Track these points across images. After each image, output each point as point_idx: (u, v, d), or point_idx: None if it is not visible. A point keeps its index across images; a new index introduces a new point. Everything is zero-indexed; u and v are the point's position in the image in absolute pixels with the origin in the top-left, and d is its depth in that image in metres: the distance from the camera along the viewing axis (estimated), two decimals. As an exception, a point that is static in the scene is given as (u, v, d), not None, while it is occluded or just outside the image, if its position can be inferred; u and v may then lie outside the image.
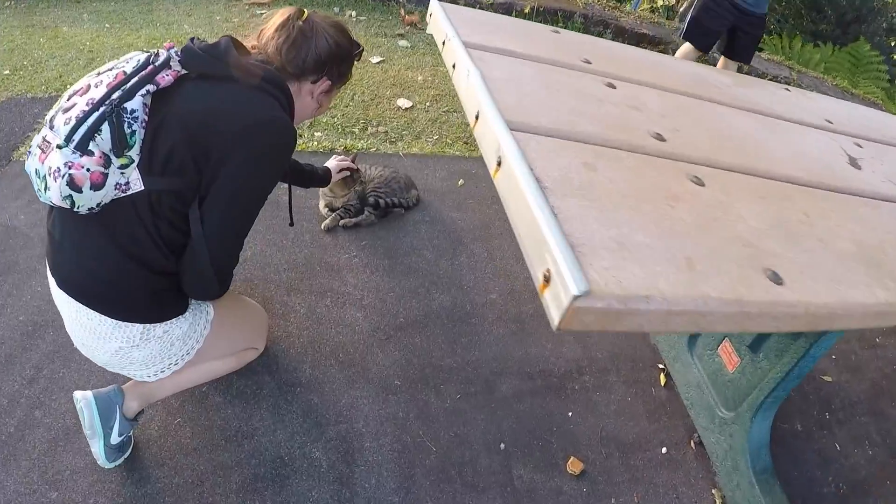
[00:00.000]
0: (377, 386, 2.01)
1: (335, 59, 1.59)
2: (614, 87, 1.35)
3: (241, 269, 2.34)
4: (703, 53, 4.14)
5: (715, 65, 4.34)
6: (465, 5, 5.43)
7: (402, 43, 4.76)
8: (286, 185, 1.94)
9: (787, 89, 2.31)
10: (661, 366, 2.33)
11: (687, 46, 4.12)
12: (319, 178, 2.38)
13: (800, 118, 1.81)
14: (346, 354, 2.09)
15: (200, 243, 1.38)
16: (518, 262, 2.69)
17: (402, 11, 5.27)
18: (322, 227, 2.61)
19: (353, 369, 2.05)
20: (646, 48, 5.49)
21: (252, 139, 1.35)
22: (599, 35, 5.47)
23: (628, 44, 5.48)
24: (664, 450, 2.03)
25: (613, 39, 5.48)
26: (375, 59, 4.37)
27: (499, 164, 0.85)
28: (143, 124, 1.30)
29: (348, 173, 2.54)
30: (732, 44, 4.05)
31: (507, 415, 2.02)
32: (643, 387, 2.25)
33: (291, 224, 2.03)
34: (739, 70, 4.29)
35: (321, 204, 2.71)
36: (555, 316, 0.64)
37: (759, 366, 1.84)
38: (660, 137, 1.15)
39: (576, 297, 0.60)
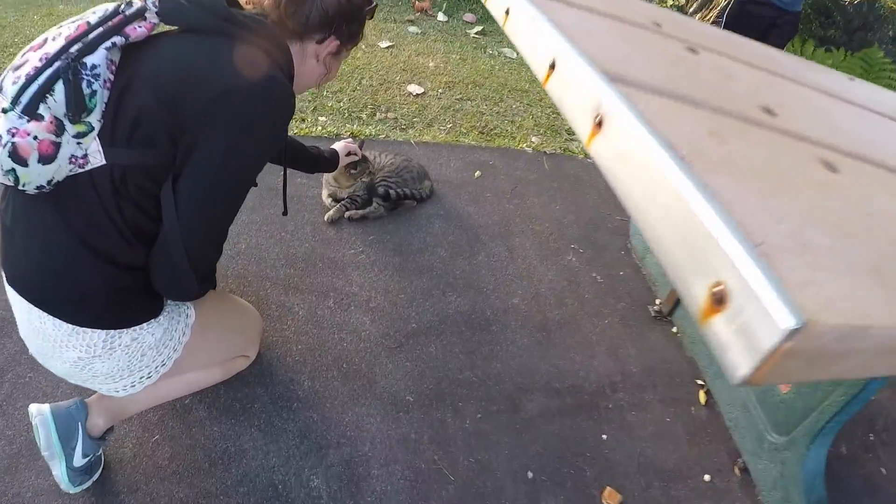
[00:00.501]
0: (386, 402, 1.75)
1: (344, 16, 1.33)
2: (696, 53, 1.10)
3: (234, 264, 2.08)
4: None
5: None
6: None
7: (413, 29, 4.50)
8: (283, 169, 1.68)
9: (851, 79, 2.06)
10: (699, 382, 2.09)
11: None
12: (325, 161, 2.11)
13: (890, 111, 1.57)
14: (351, 364, 1.83)
15: (174, 231, 1.12)
16: (542, 262, 2.43)
17: (413, -3, 5.01)
18: (325, 218, 2.35)
19: (358, 382, 1.79)
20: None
21: (238, 102, 1.10)
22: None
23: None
24: (707, 477, 1.79)
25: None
26: (384, 44, 4.10)
27: (599, 124, 0.60)
28: (107, 84, 1.07)
29: (356, 157, 2.28)
30: (767, 41, 3.83)
31: (534, 438, 1.76)
32: (682, 406, 2.00)
33: (285, 213, 1.79)
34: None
35: (324, 193, 2.45)
36: (743, 363, 0.38)
37: (819, 386, 1.61)
38: (769, 112, 0.89)
39: (790, 334, 0.35)
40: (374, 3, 1.45)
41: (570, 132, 3.58)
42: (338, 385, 1.77)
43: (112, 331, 1.19)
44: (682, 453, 1.85)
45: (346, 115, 3.15)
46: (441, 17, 4.89)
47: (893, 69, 8.67)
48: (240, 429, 1.61)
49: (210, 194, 1.15)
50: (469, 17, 4.98)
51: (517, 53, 4.49)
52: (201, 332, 1.39)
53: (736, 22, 3.73)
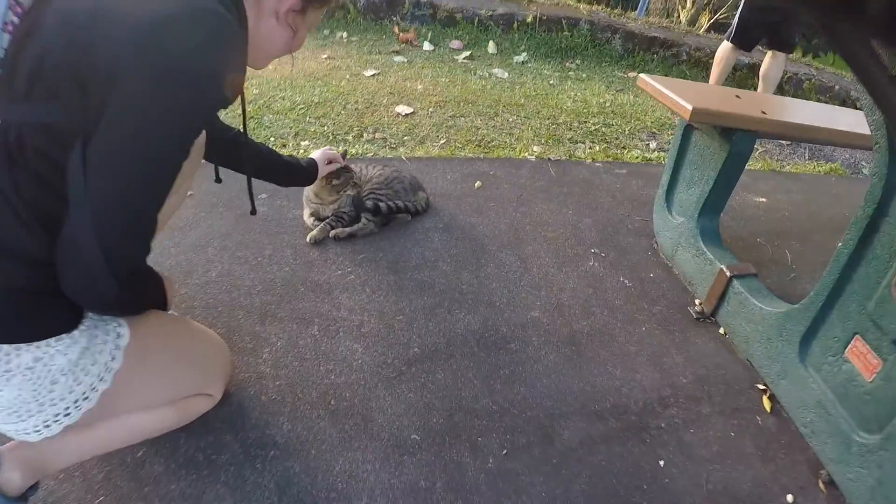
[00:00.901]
0: (386, 443, 1.40)
1: None
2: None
3: (202, 294, 1.76)
4: (747, 52, 3.93)
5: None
6: (463, 18, 5.06)
7: (398, 58, 4.30)
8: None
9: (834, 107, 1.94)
10: (760, 386, 1.76)
11: (727, 47, 3.85)
12: (302, 172, 1.83)
13: None
14: (341, 400, 1.49)
15: (82, 211, 0.84)
16: (560, 269, 2.11)
17: (397, 29, 4.83)
18: (307, 239, 2.04)
19: (350, 421, 1.44)
20: (658, 52, 5.09)
21: (164, 37, 0.84)
22: (608, 41, 5.04)
23: (639, 47, 5.04)
24: (790, 498, 1.46)
25: (623, 44, 5.06)
26: (369, 72, 3.88)
27: None
28: (9, 28, 0.87)
29: (338, 166, 1.99)
30: (779, 36, 3.78)
31: (576, 473, 1.40)
32: (746, 416, 1.66)
33: (253, 212, 1.51)
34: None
35: (306, 213, 2.15)
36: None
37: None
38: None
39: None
40: None
41: (574, 140, 3.30)
42: (325, 426, 1.42)
43: (5, 346, 0.87)
44: (756, 472, 1.50)
45: (331, 138, 2.89)
46: (427, 46, 4.70)
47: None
48: (203, 485, 1.26)
49: (128, 160, 0.87)
50: (456, 44, 4.78)
51: (508, 74, 4.27)
52: (140, 359, 1.08)
53: (759, 12, 3.61)
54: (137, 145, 0.86)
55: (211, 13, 0.88)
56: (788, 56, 3.95)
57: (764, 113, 1.82)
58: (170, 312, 1.26)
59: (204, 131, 1.37)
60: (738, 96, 1.98)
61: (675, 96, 1.79)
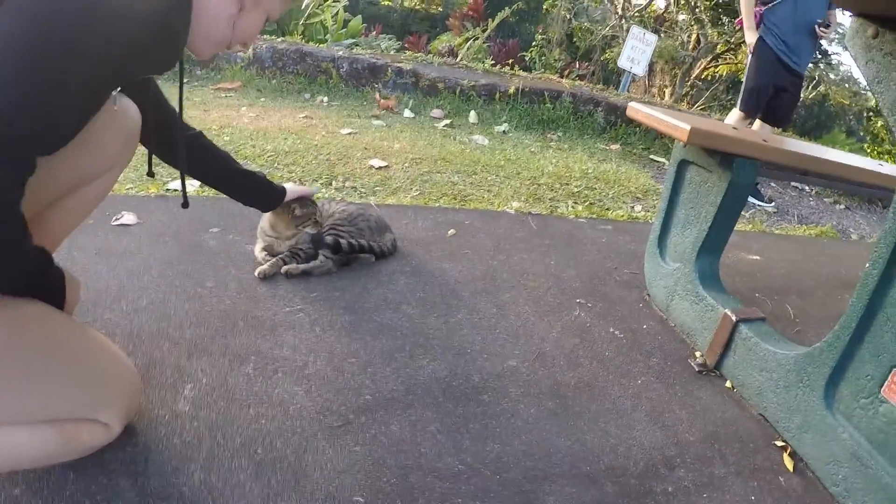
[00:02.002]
0: (322, 504, 1.10)
1: None
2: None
3: (127, 322, 1.49)
4: (752, 118, 3.91)
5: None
6: (445, 88, 5.03)
7: (378, 122, 4.21)
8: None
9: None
10: (779, 443, 1.49)
11: (737, 114, 3.85)
12: (265, 192, 1.67)
13: None
14: (270, 450, 1.19)
15: None
16: (542, 318, 1.86)
17: (378, 96, 4.79)
18: (256, 273, 1.79)
19: (278, 475, 1.14)
20: (641, 125, 5.06)
21: None
22: (590, 113, 5.02)
23: (622, 120, 5.00)
24: None
25: (606, 116, 5.04)
26: (346, 131, 3.76)
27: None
28: None
29: (301, 210, 1.79)
30: (774, 107, 3.82)
31: (562, 550, 1.09)
32: (766, 477, 1.38)
33: (185, 205, 1.33)
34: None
35: (258, 247, 1.90)
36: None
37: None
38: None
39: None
40: None
41: (555, 199, 3.13)
42: (246, 479, 1.11)
43: None
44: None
45: (298, 184, 2.68)
46: (408, 113, 4.63)
47: (857, 144, 9.24)
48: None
49: (11, 56, 0.72)
50: (437, 112, 4.72)
51: (489, 141, 4.17)
52: (8, 346, 0.86)
53: (759, 78, 3.70)
54: (20, 58, 0.71)
55: None
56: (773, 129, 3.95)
57: (765, 141, 1.65)
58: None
59: (135, 112, 1.19)
60: (734, 128, 1.82)
61: (671, 119, 1.62)
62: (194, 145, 1.43)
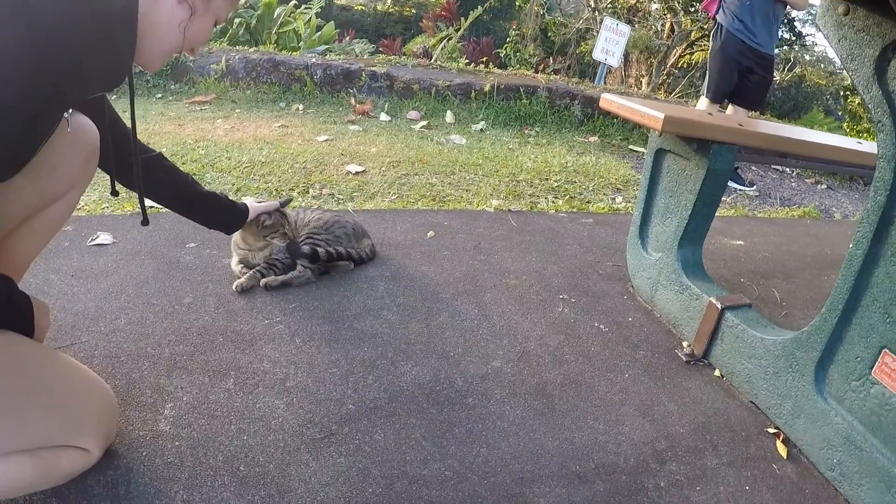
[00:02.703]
0: (306, 521, 1.07)
1: None
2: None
3: (104, 343, 1.45)
4: (720, 104, 3.87)
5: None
6: (420, 89, 5.00)
7: (354, 128, 4.16)
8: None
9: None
10: (771, 430, 1.48)
11: (705, 101, 3.87)
12: (227, 214, 1.60)
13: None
14: (253, 466, 1.16)
15: None
16: (526, 317, 1.84)
17: (354, 101, 4.75)
18: (234, 287, 1.75)
19: (261, 491, 1.11)
20: (618, 117, 5.07)
21: None
22: (567, 107, 5.01)
23: (599, 112, 5.00)
24: None
25: (583, 109, 5.03)
26: (322, 138, 3.72)
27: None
28: None
29: (269, 219, 1.75)
30: (744, 90, 3.79)
31: (554, 552, 1.07)
32: (760, 466, 1.37)
33: (144, 223, 1.30)
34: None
35: (234, 261, 1.87)
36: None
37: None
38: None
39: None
40: None
41: (535, 195, 3.11)
42: (229, 497, 1.08)
43: None
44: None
45: (275, 194, 2.64)
46: (384, 116, 4.59)
47: (836, 123, 9.35)
48: None
49: None
50: (413, 114, 4.69)
51: (466, 140, 4.15)
52: None
53: (721, 60, 3.71)
54: None
55: None
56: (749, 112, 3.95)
57: (741, 125, 1.64)
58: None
59: (93, 132, 1.15)
60: (710, 114, 1.80)
61: (644, 108, 1.60)
62: (154, 168, 1.37)
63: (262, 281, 1.79)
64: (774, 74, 3.82)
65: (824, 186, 4.80)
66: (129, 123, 1.20)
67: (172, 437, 1.21)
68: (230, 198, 1.64)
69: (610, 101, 1.78)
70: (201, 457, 1.17)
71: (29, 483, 0.96)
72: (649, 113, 1.57)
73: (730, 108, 3.86)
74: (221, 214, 1.61)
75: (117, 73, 0.94)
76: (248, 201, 1.74)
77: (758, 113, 4.04)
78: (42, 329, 1.07)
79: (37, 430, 0.94)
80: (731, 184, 4.08)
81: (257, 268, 1.82)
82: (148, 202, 1.36)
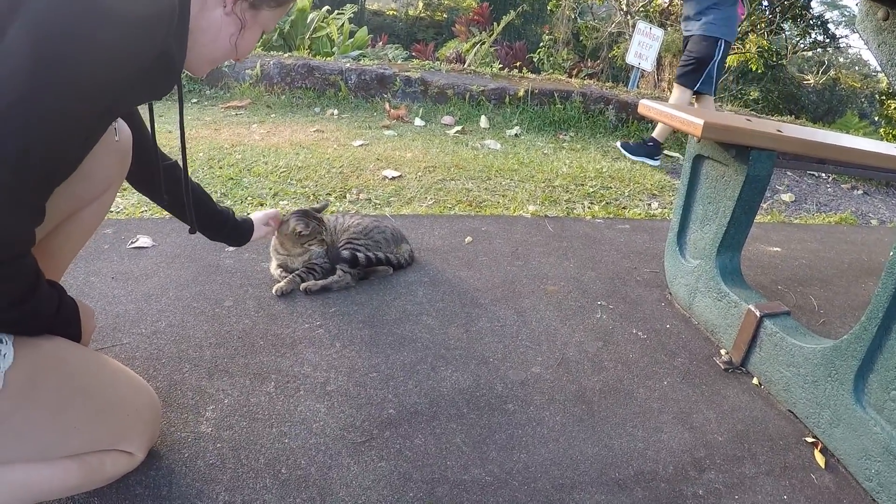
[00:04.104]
0: (350, 523, 1.09)
1: None
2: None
3: (146, 345, 1.50)
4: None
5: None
6: (454, 94, 5.02)
7: (389, 132, 4.21)
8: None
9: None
10: (809, 439, 1.47)
11: (687, 93, 3.99)
12: (231, 227, 1.58)
13: None
14: (294, 468, 1.19)
15: None
16: (564, 323, 1.84)
17: (388, 106, 4.79)
18: (274, 291, 1.79)
19: (303, 494, 1.13)
20: (652, 120, 5.03)
21: None
22: (601, 112, 4.99)
23: (633, 116, 4.98)
24: None
25: (617, 114, 5.01)
26: (357, 143, 3.77)
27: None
28: None
29: (270, 229, 1.78)
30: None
31: (595, 559, 1.08)
32: (798, 475, 1.36)
33: (192, 231, 1.33)
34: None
35: (273, 265, 1.91)
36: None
37: None
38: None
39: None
40: None
41: (571, 201, 3.11)
42: (270, 499, 1.11)
43: None
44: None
45: (312, 198, 2.69)
46: (418, 121, 4.63)
47: (871, 127, 9.11)
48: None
49: (14, 106, 0.72)
50: (448, 119, 4.72)
51: (501, 145, 4.16)
52: (28, 390, 0.86)
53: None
54: (27, 98, 0.71)
55: None
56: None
57: (779, 131, 1.62)
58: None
59: (128, 133, 1.18)
60: (748, 119, 1.79)
61: (684, 114, 1.59)
62: (168, 178, 1.32)
63: (303, 285, 1.82)
64: (701, 52, 3.85)
65: (861, 192, 4.69)
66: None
67: (214, 438, 1.24)
68: (241, 211, 1.65)
69: (649, 107, 1.78)
70: (243, 459, 1.20)
71: (73, 486, 0.99)
72: (689, 119, 1.57)
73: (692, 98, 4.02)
74: (220, 229, 1.55)
75: (168, 83, 0.97)
76: (257, 216, 1.71)
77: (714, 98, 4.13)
78: (88, 333, 1.10)
79: (85, 436, 0.98)
80: (638, 157, 4.22)
81: (297, 272, 1.86)
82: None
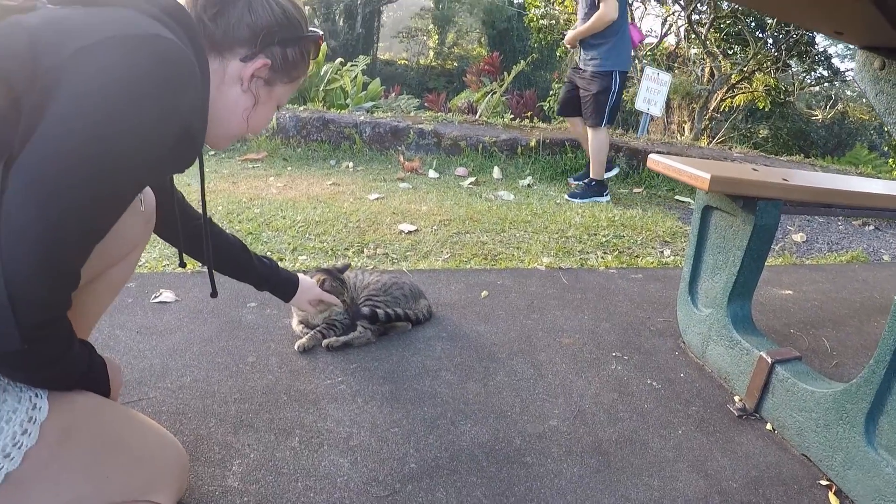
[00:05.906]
0: (376, 578, 1.13)
1: (279, 29, 1.05)
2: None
3: (171, 399, 1.56)
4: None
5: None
6: (467, 146, 5.16)
7: (403, 185, 4.32)
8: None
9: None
10: (823, 482, 1.49)
11: (602, 131, 4.22)
12: (276, 280, 1.69)
13: None
14: (322, 526, 1.23)
15: None
16: (580, 375, 1.89)
17: (402, 158, 4.93)
18: (296, 347, 1.86)
19: (332, 551, 1.18)
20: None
21: (98, 58, 0.77)
22: (612, 160, 5.07)
23: (643, 163, 5.07)
24: None
25: (628, 161, 5.09)
26: (373, 196, 3.88)
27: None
28: None
29: (324, 277, 1.87)
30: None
31: None
32: (814, 524, 1.35)
33: (214, 294, 1.39)
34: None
35: (294, 321, 1.98)
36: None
37: None
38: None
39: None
40: (320, 36, 1.15)
41: (584, 251, 3.17)
42: (300, 559, 1.16)
43: None
44: None
45: (330, 253, 2.78)
46: (432, 173, 4.75)
47: (881, 159, 9.12)
48: None
49: (48, 187, 0.76)
50: (461, 170, 4.84)
51: (514, 196, 4.26)
52: (62, 441, 0.90)
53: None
54: (66, 166, 0.76)
55: (160, 38, 0.81)
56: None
57: (785, 180, 1.69)
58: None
59: (152, 196, 1.27)
60: (755, 169, 1.86)
61: (691, 168, 1.67)
62: (197, 235, 1.39)
63: (325, 342, 1.89)
64: (597, 87, 4.10)
65: (872, 227, 4.71)
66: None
67: (241, 492, 1.29)
68: (281, 266, 1.74)
69: (657, 161, 1.85)
70: (274, 513, 1.25)
71: None
72: (696, 173, 1.64)
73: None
74: (265, 280, 1.65)
75: (191, 158, 1.04)
76: (306, 279, 1.80)
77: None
78: (116, 389, 1.15)
79: (116, 488, 1.02)
80: (587, 199, 4.31)
81: (318, 328, 1.93)
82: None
